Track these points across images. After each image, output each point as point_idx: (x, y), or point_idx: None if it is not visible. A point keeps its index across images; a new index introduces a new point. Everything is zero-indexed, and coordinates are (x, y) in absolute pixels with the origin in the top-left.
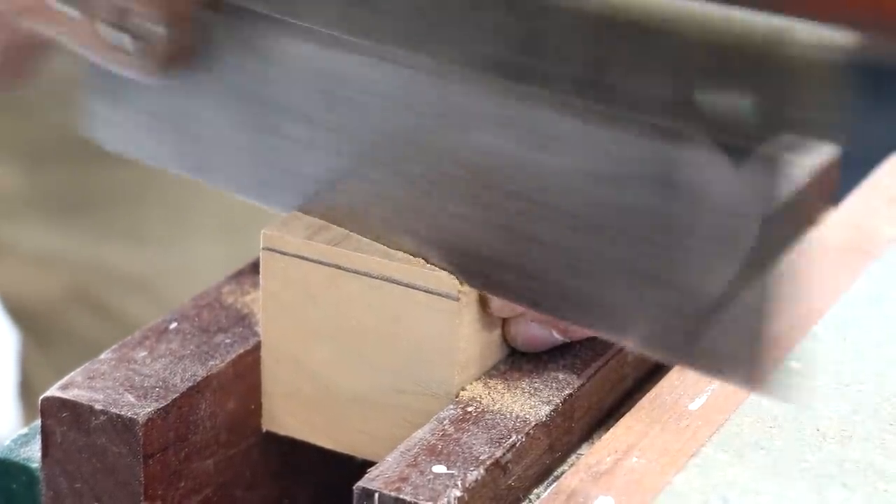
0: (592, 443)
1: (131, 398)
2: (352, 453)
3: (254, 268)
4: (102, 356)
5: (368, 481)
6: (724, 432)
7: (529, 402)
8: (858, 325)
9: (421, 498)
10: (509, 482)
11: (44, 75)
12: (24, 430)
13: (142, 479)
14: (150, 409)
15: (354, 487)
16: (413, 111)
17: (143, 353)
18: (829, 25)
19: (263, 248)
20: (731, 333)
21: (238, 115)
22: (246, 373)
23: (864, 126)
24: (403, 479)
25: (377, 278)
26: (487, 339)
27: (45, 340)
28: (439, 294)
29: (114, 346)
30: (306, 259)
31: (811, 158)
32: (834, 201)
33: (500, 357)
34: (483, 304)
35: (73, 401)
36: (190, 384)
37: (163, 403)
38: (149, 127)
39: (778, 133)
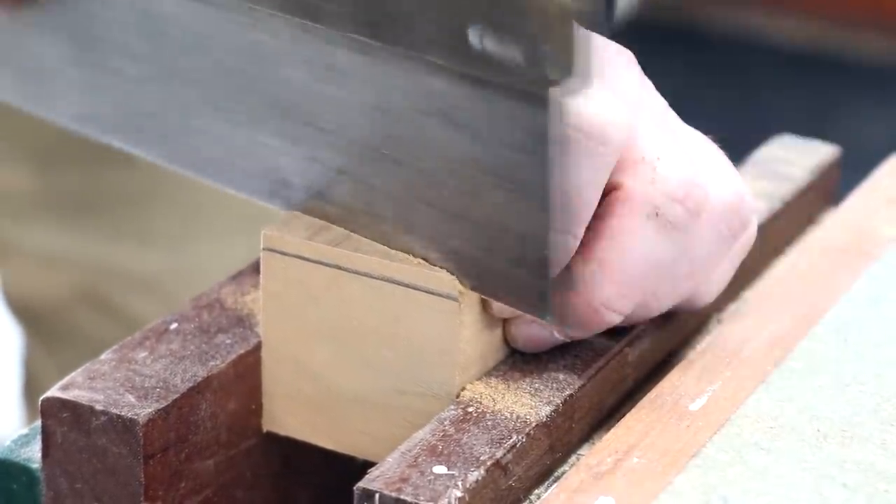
0: (593, 443)
1: (132, 398)
2: (352, 454)
3: (254, 268)
4: (103, 357)
5: (369, 482)
6: (724, 433)
7: (530, 403)
8: (858, 326)
9: (421, 498)
10: (510, 482)
11: None
12: (25, 431)
13: (142, 479)
14: (150, 410)
15: (355, 488)
16: (224, 49)
17: (144, 354)
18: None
19: (264, 249)
20: (517, 261)
21: (71, 50)
22: (246, 373)
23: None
24: (404, 480)
25: (378, 279)
26: (488, 340)
27: (51, 340)
28: (440, 294)
29: (114, 347)
30: (307, 259)
31: (810, 157)
32: (834, 201)
33: (500, 357)
34: (484, 304)
35: (73, 401)
36: (190, 384)
37: (163, 404)
38: None
39: (537, 70)
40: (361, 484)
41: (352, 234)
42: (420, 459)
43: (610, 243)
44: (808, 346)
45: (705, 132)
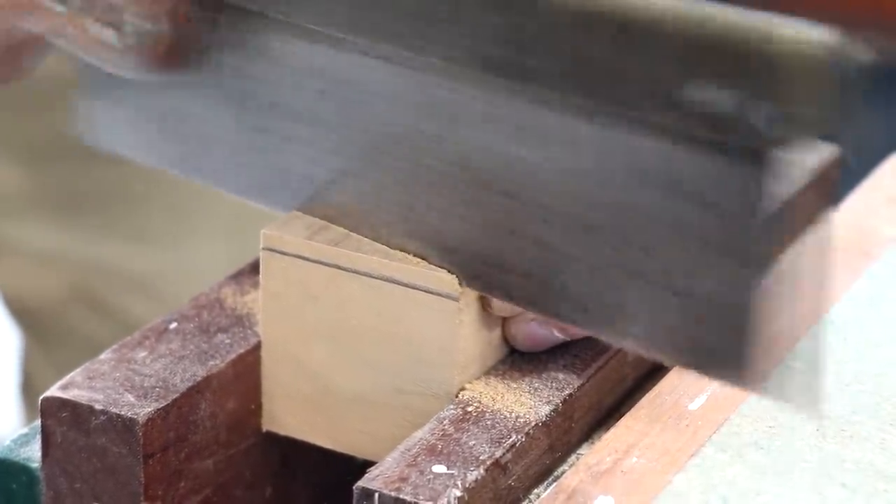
0: (592, 443)
1: (131, 398)
2: (352, 453)
3: (254, 268)
4: (102, 356)
5: (368, 481)
6: (723, 432)
7: (529, 402)
8: (858, 326)
9: (421, 498)
10: (509, 482)
11: (41, 73)
12: (25, 430)
13: (142, 479)
14: (150, 409)
15: (354, 487)
16: (406, 109)
17: (143, 353)
18: (820, 23)
19: (263, 248)
20: (728, 333)
21: (233, 114)
22: (246, 373)
23: (864, 126)
24: (403, 479)
25: (377, 278)
26: (487, 339)
27: (46, 340)
28: (439, 294)
29: (114, 346)
30: (306, 259)
31: (810, 158)
32: (834, 201)
33: (500, 357)
34: (483, 303)
35: (73, 401)
36: (190, 384)
37: (163, 403)
38: (144, 127)
39: (770, 130)
40: (361, 483)
41: (351, 234)
42: (419, 459)
43: None
44: (808, 346)
45: None
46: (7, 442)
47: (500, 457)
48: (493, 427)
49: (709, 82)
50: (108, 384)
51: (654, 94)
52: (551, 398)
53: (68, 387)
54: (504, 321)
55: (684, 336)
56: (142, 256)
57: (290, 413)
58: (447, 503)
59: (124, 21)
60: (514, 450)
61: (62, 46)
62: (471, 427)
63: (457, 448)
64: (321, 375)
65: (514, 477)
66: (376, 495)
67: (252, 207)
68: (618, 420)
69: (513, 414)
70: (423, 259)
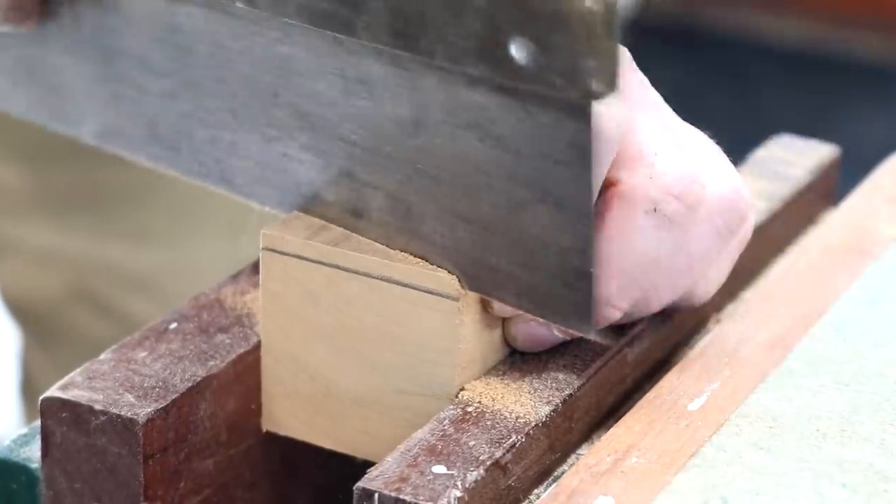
0: (592, 443)
1: (131, 398)
2: (352, 453)
3: (254, 268)
4: (102, 356)
5: (368, 481)
6: (723, 432)
7: (529, 403)
8: (858, 325)
9: (421, 498)
10: (509, 482)
11: None
12: (24, 430)
13: (141, 479)
14: (149, 410)
15: (354, 487)
16: (249, 61)
17: (143, 354)
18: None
19: (263, 249)
20: (558, 275)
21: (92, 65)
22: (246, 373)
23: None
24: (403, 480)
25: (377, 278)
26: (487, 339)
27: (47, 339)
28: (439, 294)
29: (113, 347)
30: (306, 259)
31: (810, 157)
32: (834, 201)
33: (500, 357)
34: (483, 304)
35: (72, 401)
36: (190, 384)
37: (163, 403)
38: (7, 78)
39: (571, 83)
40: (361, 483)
41: (351, 234)
42: (419, 459)
43: (608, 239)
44: (807, 346)
45: (705, 132)
46: (7, 442)
47: (500, 457)
48: (493, 427)
49: (510, 37)
50: (108, 384)
51: (476, 48)
52: (551, 398)
53: (68, 387)
54: (504, 321)
55: (511, 276)
56: (142, 256)
57: (289, 413)
58: (447, 503)
59: None
60: (514, 450)
61: None
62: (471, 427)
63: (457, 448)
64: (321, 375)
65: (513, 477)
66: (376, 495)
67: (252, 207)
68: (618, 420)
69: (513, 414)
70: (422, 259)
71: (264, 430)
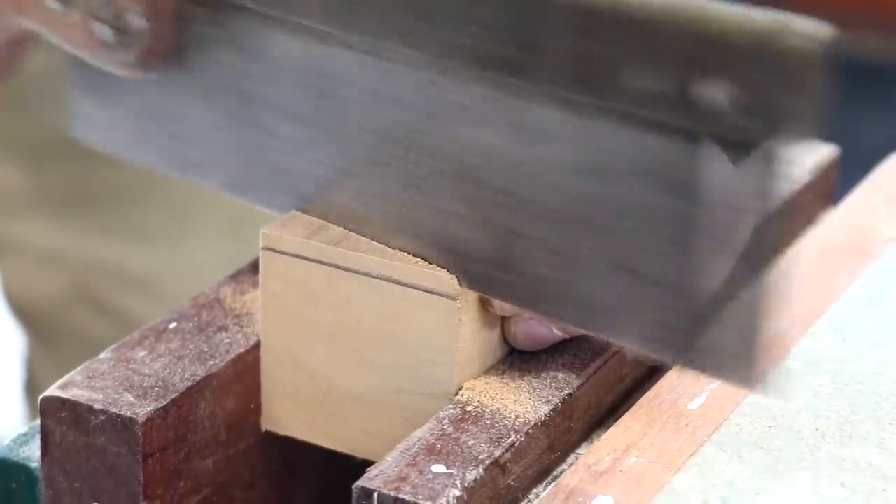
0: (591, 442)
1: (131, 398)
2: (351, 453)
3: (253, 268)
4: (102, 356)
5: (367, 480)
6: (723, 432)
7: (529, 402)
8: (857, 325)
9: (420, 497)
10: (508, 482)
11: (33, 70)
12: (24, 430)
13: (141, 478)
14: (149, 409)
15: (353, 487)
16: (403, 108)
17: (143, 353)
18: (821, 20)
19: (263, 248)
20: (728, 332)
21: (226, 113)
22: (245, 373)
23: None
24: (402, 479)
25: (377, 278)
26: (487, 339)
27: (48, 339)
28: (439, 294)
29: (113, 346)
30: (306, 259)
31: (810, 157)
32: (834, 201)
33: (499, 356)
34: (483, 303)
35: (72, 400)
36: (189, 384)
37: (162, 403)
38: (135, 126)
39: (772, 127)
40: (360, 483)
41: (351, 233)
42: (419, 458)
43: None
44: (806, 346)
45: None
46: (7, 441)
47: (500, 456)
48: (493, 427)
49: (704, 79)
50: (108, 384)
51: (659, 92)
52: (550, 398)
53: (68, 386)
54: (504, 320)
55: (683, 334)
56: (142, 256)
57: (289, 413)
58: (446, 503)
59: (121, 18)
60: (513, 449)
61: (56, 43)
62: (470, 427)
63: (456, 448)
64: (321, 375)
65: (513, 476)
66: (375, 495)
67: (252, 207)
68: (617, 420)
69: (512, 413)
70: (423, 259)
71: (264, 429)
